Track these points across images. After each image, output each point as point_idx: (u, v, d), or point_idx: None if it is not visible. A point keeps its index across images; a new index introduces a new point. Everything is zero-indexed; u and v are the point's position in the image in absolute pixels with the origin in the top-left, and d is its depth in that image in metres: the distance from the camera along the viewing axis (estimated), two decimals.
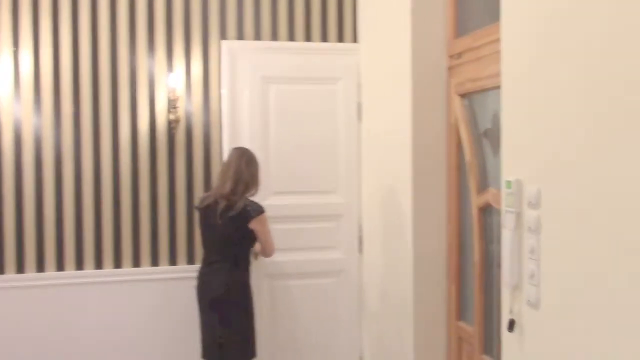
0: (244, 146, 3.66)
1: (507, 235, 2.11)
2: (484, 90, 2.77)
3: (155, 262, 3.82)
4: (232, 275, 3.43)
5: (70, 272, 3.70)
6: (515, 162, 2.09)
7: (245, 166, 3.44)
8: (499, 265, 2.57)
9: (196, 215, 3.70)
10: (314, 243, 4.02)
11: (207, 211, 3.49)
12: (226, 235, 3.43)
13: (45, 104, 3.68)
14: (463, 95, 2.96)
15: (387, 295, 3.54)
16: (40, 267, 3.68)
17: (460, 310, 3.07)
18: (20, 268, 3.65)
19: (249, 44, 3.92)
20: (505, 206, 2.12)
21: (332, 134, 4.02)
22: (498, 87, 2.45)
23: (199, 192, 3.84)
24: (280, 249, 3.90)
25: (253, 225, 3.43)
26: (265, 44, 3.94)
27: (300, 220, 3.99)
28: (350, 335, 4.07)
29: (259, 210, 3.44)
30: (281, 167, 3.95)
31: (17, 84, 3.65)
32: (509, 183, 2.10)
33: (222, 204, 3.40)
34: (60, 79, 3.70)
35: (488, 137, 2.80)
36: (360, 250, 4.04)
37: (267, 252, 3.56)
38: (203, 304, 3.48)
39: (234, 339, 3.42)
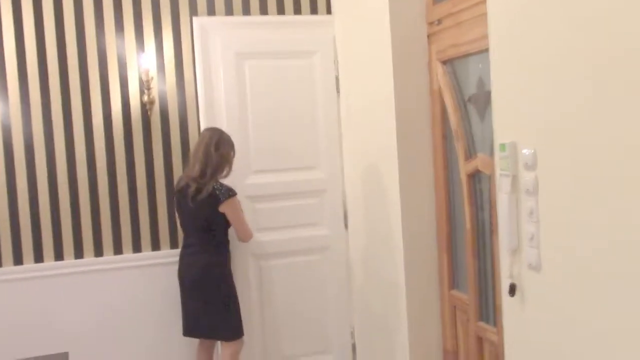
0: (217, 126, 3.60)
1: (503, 199, 2.08)
2: (467, 56, 2.74)
3: (137, 248, 3.74)
4: (209, 258, 3.43)
5: (49, 264, 3.60)
6: (508, 125, 2.06)
7: (214, 148, 3.38)
8: (492, 231, 2.57)
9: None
10: (298, 220, 3.97)
11: (181, 194, 3.45)
12: (199, 219, 3.41)
13: (11, 91, 3.54)
14: (445, 62, 2.92)
15: (377, 268, 3.52)
16: (18, 259, 3.57)
17: (453, 279, 3.06)
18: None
19: (221, 20, 3.81)
20: (500, 170, 2.09)
21: (310, 109, 3.95)
22: (481, 52, 2.51)
23: (177, 175, 3.76)
24: (264, 228, 3.86)
25: (223, 208, 3.39)
26: (237, 19, 3.84)
27: (282, 198, 3.93)
28: (340, 311, 4.04)
29: (228, 193, 3.40)
30: (260, 145, 3.87)
31: None
32: (502, 146, 2.07)
33: (193, 187, 3.36)
34: (25, 63, 3.54)
35: (473, 102, 2.78)
36: (346, 225, 3.99)
37: (240, 237, 3.53)
38: (183, 286, 3.50)
39: (217, 322, 3.42)
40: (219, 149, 3.40)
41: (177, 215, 3.58)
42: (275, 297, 3.94)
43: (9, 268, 3.54)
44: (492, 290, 2.68)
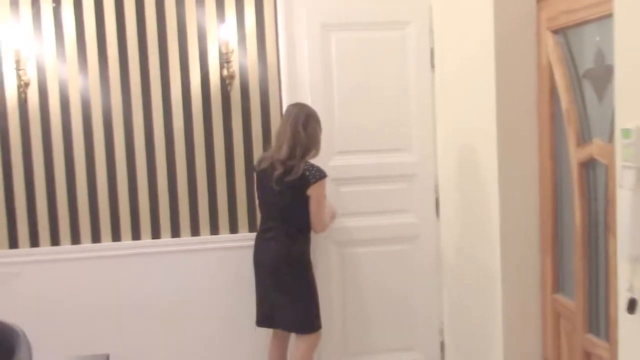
0: (303, 102, 3.37)
1: (625, 196, 1.83)
2: (583, 24, 2.42)
3: (215, 230, 3.63)
4: (291, 244, 3.22)
5: (126, 243, 3.56)
6: (634, 106, 1.79)
7: (302, 127, 3.17)
8: (607, 231, 2.28)
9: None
10: (384, 207, 3.70)
11: (263, 175, 3.26)
12: (284, 202, 3.21)
13: (91, 64, 3.48)
14: (556, 31, 2.60)
15: (471, 263, 3.24)
16: (96, 238, 3.54)
17: (558, 282, 2.75)
18: (76, 239, 3.54)
19: None
20: (623, 160, 1.84)
21: (402, 85, 3.65)
22: (601, 18, 2.22)
23: (257, 154, 3.59)
24: (348, 213, 3.65)
25: (311, 191, 3.17)
26: None
27: (368, 182, 3.67)
28: (429, 306, 3.75)
29: (319, 175, 3.17)
30: (346, 124, 3.62)
31: (59, 43, 3.45)
32: (626, 132, 1.81)
33: (279, 170, 3.15)
34: (105, 36, 3.48)
35: (590, 79, 2.45)
36: (437, 214, 3.68)
37: (315, 225, 3.26)
38: (260, 273, 3.32)
39: (295, 311, 3.23)
40: (307, 127, 3.18)
41: (257, 195, 3.40)
42: (358, 288, 3.71)
43: (86, 245, 3.53)
44: (605, 299, 2.36)
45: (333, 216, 3.46)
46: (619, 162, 1.89)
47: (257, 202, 3.50)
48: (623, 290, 1.89)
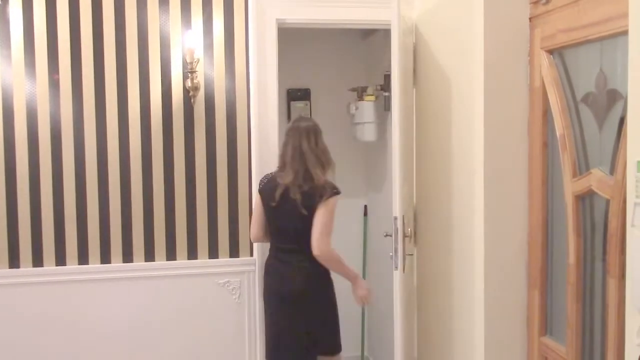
0: (301, 117, 3.38)
1: (638, 239, 1.67)
2: (584, 43, 2.23)
3: (172, 256, 3.38)
4: (312, 264, 3.07)
5: (71, 267, 3.29)
6: None
7: (314, 144, 3.10)
8: (606, 272, 2.10)
9: (220, 200, 3.39)
10: None
11: (282, 200, 3.10)
12: (304, 225, 3.05)
13: (39, 69, 3.22)
14: (551, 51, 2.42)
15: (448, 301, 2.99)
16: (62, 260, 3.30)
17: (546, 323, 2.55)
18: (15, 263, 3.24)
19: None
20: (637, 197, 1.67)
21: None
22: (606, 38, 2.08)
23: (222, 175, 3.41)
24: None
25: (322, 205, 3.03)
26: None
27: None
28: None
29: (333, 190, 3.08)
30: None
31: (5, 44, 3.18)
32: None
33: (298, 196, 3.05)
34: (56, 38, 3.23)
35: (589, 104, 2.26)
36: (415, 243, 3.45)
37: (320, 244, 3.04)
38: (277, 300, 3.17)
39: (334, 331, 3.24)
40: (318, 143, 3.11)
41: (267, 217, 3.19)
42: None
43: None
44: (602, 347, 2.17)
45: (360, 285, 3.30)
46: (630, 199, 1.71)
47: (225, 227, 3.39)
48: (632, 345, 1.71)
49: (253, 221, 3.26)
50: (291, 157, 3.07)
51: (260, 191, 3.21)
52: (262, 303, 3.32)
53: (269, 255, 3.24)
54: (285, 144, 3.14)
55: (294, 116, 4.45)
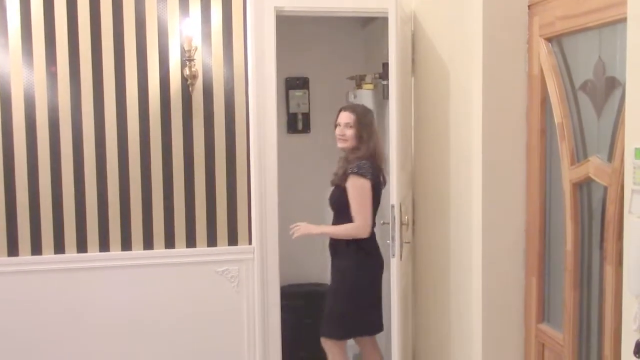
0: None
1: (635, 224, 1.67)
2: (582, 31, 2.23)
3: (171, 244, 3.37)
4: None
5: (71, 255, 3.28)
6: None
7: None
8: (603, 259, 2.12)
9: (219, 188, 3.41)
10: None
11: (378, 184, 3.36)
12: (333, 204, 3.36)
13: (37, 56, 3.19)
14: (550, 39, 2.43)
15: (446, 288, 3.01)
16: (60, 248, 3.30)
17: (544, 310, 2.56)
18: (14, 251, 3.23)
19: None
20: (634, 183, 1.69)
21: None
22: (605, 25, 2.08)
23: (220, 163, 3.40)
24: None
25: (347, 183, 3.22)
26: None
27: None
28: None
29: (358, 171, 3.21)
30: None
31: (2, 31, 3.16)
32: (639, 151, 1.64)
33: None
34: (54, 25, 3.20)
35: (588, 91, 2.27)
36: (413, 231, 3.46)
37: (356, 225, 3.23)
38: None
39: (327, 313, 3.37)
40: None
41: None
42: None
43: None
44: (599, 334, 2.17)
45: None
46: (628, 185, 1.73)
47: (224, 215, 3.42)
48: (629, 332, 1.72)
49: (370, 213, 3.26)
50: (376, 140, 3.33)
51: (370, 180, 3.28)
52: (261, 290, 3.35)
53: (372, 238, 3.29)
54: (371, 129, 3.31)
55: (292, 105, 4.48)
